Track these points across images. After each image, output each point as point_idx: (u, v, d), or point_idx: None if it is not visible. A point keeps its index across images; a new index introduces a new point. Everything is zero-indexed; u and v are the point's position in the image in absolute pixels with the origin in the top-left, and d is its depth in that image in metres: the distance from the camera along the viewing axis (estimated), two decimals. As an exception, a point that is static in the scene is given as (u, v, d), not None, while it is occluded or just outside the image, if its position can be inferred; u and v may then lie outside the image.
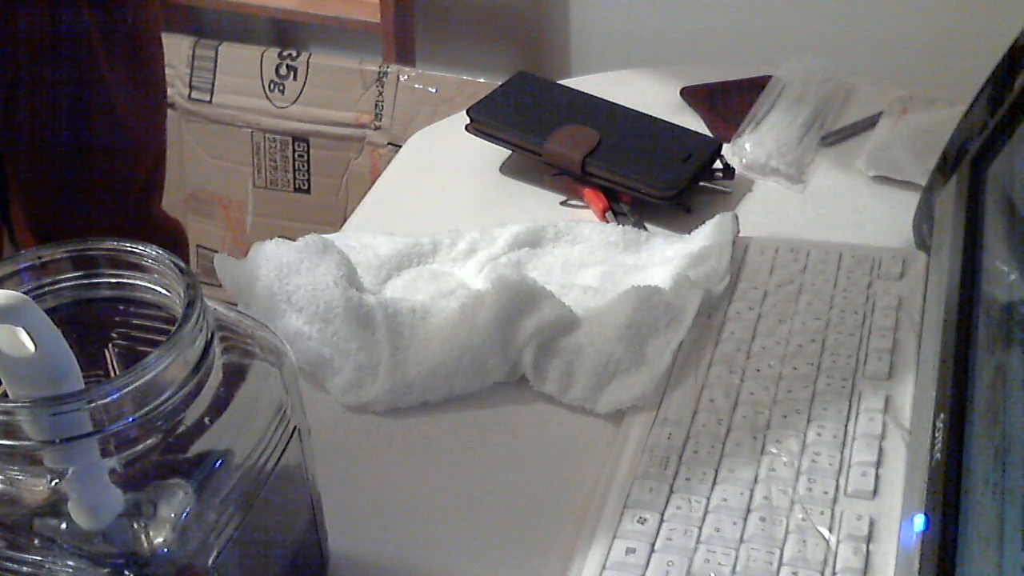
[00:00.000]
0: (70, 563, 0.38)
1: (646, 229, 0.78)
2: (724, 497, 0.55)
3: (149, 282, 0.42)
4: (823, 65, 0.97)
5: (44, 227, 0.95)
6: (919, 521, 0.48)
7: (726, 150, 0.85)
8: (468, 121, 0.87)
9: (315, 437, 0.49)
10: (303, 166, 1.68)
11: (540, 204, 0.83)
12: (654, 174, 0.79)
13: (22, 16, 0.84)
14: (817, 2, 1.53)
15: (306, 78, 1.65)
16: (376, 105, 1.62)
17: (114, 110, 0.93)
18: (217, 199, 1.75)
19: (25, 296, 0.36)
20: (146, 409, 0.37)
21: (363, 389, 0.64)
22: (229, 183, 1.73)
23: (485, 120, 0.86)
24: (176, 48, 1.67)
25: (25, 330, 0.36)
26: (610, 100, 0.88)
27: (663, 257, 0.74)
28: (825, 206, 0.82)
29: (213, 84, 1.69)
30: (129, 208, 1.01)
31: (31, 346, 0.36)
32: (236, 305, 0.69)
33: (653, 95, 0.95)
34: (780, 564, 0.51)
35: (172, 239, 1.09)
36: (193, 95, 1.69)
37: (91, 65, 0.90)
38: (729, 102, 0.94)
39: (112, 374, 0.46)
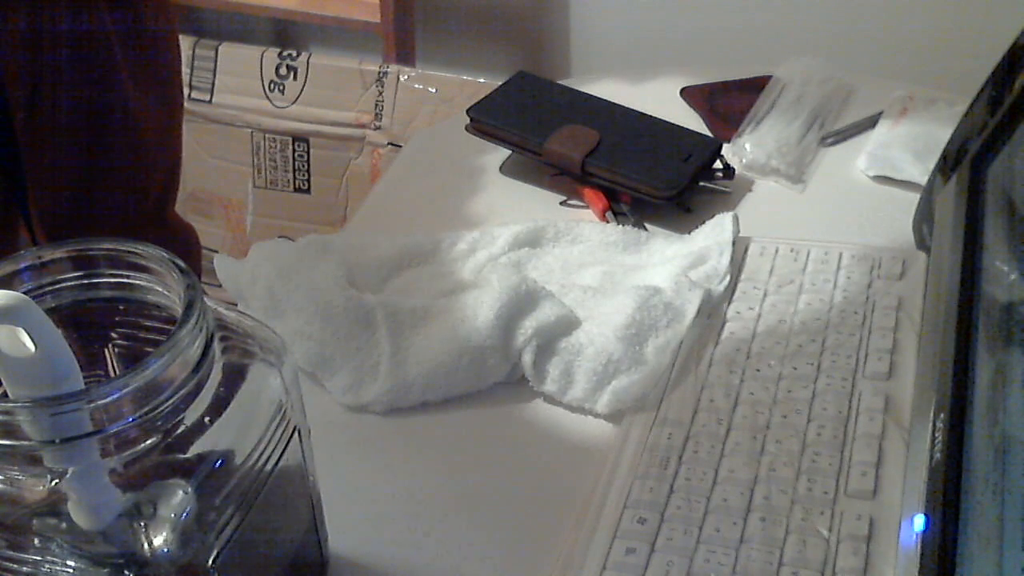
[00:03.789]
0: (70, 563, 0.38)
1: (646, 229, 0.78)
2: (724, 497, 0.55)
3: (149, 282, 0.42)
4: (823, 65, 0.97)
5: (63, 231, 0.95)
6: (919, 521, 0.48)
7: (726, 150, 0.85)
8: (468, 121, 0.87)
9: (315, 437, 0.49)
10: (303, 166, 1.68)
11: (540, 204, 0.83)
12: (654, 174, 0.79)
13: (44, 17, 0.84)
14: (817, 2, 1.53)
15: (306, 78, 1.65)
16: (376, 105, 1.62)
17: (131, 113, 0.93)
18: (217, 199, 1.75)
19: (25, 296, 0.36)
20: (146, 409, 0.37)
21: (363, 389, 0.64)
22: (229, 183, 1.73)
23: (485, 120, 0.86)
24: (176, 48, 1.67)
25: (25, 330, 0.36)
26: (610, 100, 0.88)
27: (663, 257, 0.74)
28: (825, 206, 0.82)
29: (213, 84, 1.69)
30: (147, 212, 1.01)
31: (31, 346, 0.36)
32: (236, 305, 0.69)
33: (653, 95, 0.95)
34: (780, 564, 0.51)
35: (186, 244, 1.09)
36: (193, 95, 1.69)
37: (110, 67, 0.90)
38: (729, 102, 0.94)
39: (112, 374, 0.46)
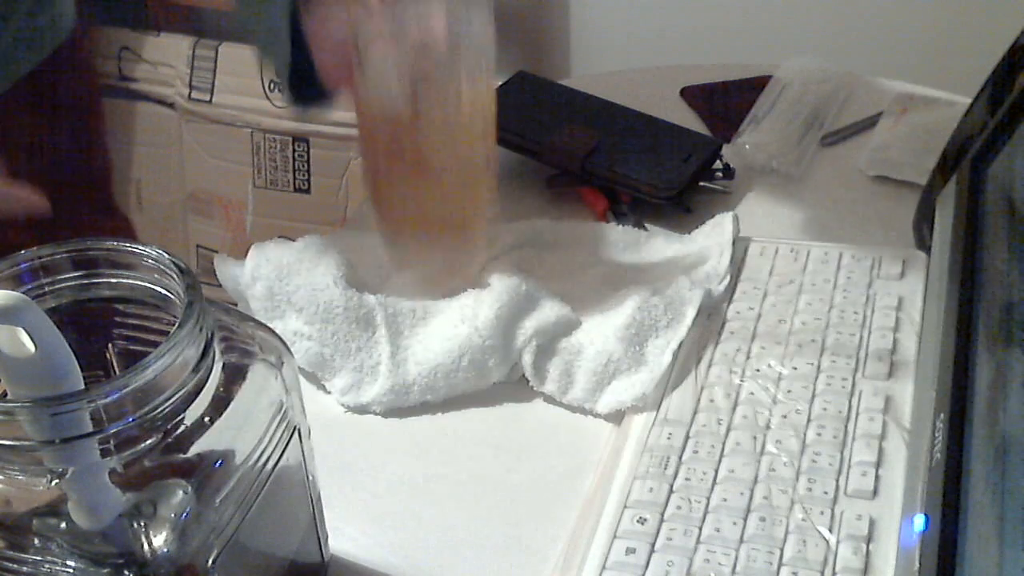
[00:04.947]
0: (70, 563, 0.38)
1: (646, 229, 0.78)
2: (724, 497, 0.55)
3: (149, 282, 0.42)
4: (823, 65, 0.97)
5: None
6: (919, 521, 0.48)
7: (726, 150, 0.85)
8: (468, 121, 0.86)
9: (315, 437, 0.49)
10: (303, 166, 1.68)
11: (540, 204, 0.83)
12: (654, 174, 0.79)
13: None
14: (817, 2, 1.53)
15: (306, 78, 1.64)
16: (376, 105, 1.62)
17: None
18: (217, 199, 1.74)
19: (25, 296, 0.36)
20: (146, 409, 0.37)
21: (363, 389, 0.64)
22: (229, 183, 1.73)
23: (485, 120, 0.86)
24: (176, 48, 1.67)
25: (25, 330, 0.36)
26: (610, 100, 0.88)
27: (663, 257, 0.74)
28: (825, 206, 0.82)
29: (213, 84, 1.69)
30: (77, 195, 1.01)
31: (31, 346, 0.36)
32: (236, 305, 0.69)
33: (653, 95, 0.94)
34: (780, 564, 0.51)
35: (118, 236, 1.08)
36: (193, 95, 1.69)
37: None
38: (729, 102, 0.94)
39: (112, 374, 0.46)
